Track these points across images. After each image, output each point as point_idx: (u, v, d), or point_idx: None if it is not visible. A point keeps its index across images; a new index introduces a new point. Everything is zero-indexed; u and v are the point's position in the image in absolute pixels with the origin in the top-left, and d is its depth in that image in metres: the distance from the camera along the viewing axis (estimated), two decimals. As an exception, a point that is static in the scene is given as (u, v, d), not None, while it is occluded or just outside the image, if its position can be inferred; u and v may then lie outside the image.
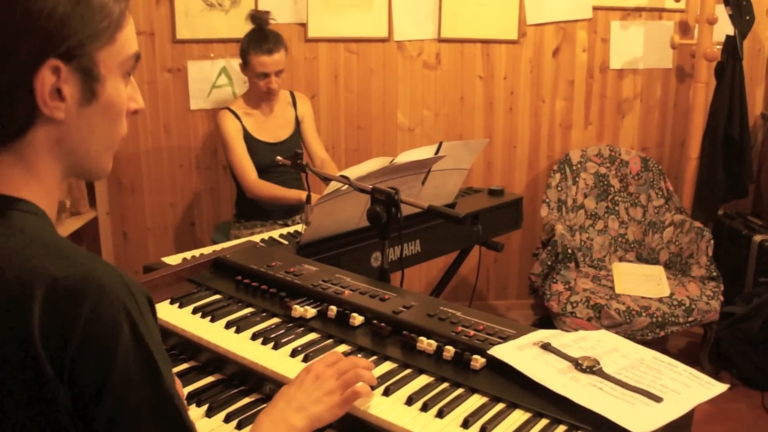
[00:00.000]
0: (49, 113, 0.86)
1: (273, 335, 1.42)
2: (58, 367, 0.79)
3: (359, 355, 1.36)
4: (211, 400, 1.31)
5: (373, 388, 1.22)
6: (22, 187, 0.88)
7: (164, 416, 0.85)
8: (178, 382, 1.33)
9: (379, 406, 1.19)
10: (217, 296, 1.61)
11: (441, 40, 3.55)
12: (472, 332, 1.36)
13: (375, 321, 1.44)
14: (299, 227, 2.32)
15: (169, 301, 1.58)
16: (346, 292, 1.54)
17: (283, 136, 3.13)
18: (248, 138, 3.05)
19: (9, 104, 0.85)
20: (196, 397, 1.32)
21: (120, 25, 0.91)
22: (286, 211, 3.12)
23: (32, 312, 0.78)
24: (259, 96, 3.06)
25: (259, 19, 3.01)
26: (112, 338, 0.81)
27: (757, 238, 3.42)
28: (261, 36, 2.96)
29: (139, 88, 0.98)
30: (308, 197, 2.11)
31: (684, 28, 3.69)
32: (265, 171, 3.06)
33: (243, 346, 1.39)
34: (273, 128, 3.12)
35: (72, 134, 0.89)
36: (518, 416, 1.17)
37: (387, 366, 1.33)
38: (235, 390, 1.35)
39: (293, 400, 1.13)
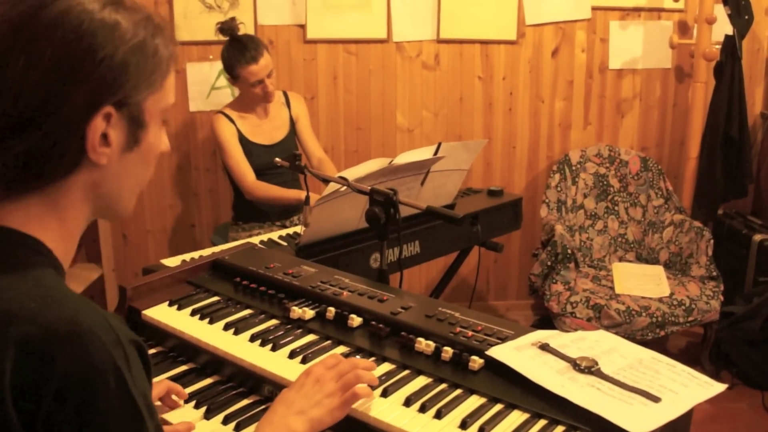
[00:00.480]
0: (96, 159, 0.85)
1: (271, 337, 1.42)
2: (28, 421, 0.75)
3: (358, 356, 1.36)
4: (210, 402, 1.31)
5: (373, 388, 1.22)
6: (41, 228, 0.86)
7: None
8: (177, 388, 1.34)
9: (377, 407, 1.19)
10: (216, 298, 1.61)
11: (440, 41, 3.55)
12: (470, 333, 1.36)
13: (373, 322, 1.44)
14: (298, 229, 2.32)
15: (167, 302, 1.58)
16: (345, 293, 1.54)
17: (279, 138, 3.12)
18: (243, 141, 3.03)
19: (61, 149, 0.83)
20: (194, 399, 1.32)
21: (168, 71, 0.91)
22: (284, 213, 3.12)
23: (4, 361, 0.74)
24: (254, 100, 3.04)
25: (230, 29, 2.94)
26: (94, 387, 0.76)
27: (757, 237, 3.41)
28: (239, 46, 2.91)
29: None
30: (307, 198, 2.11)
31: (683, 28, 3.69)
32: (262, 173, 3.05)
33: (241, 348, 1.39)
34: (268, 130, 3.11)
35: (109, 179, 0.89)
36: (516, 417, 1.17)
37: (385, 367, 1.33)
38: (234, 392, 1.36)
39: (293, 404, 1.13)
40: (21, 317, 0.77)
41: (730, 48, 3.40)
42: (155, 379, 1.32)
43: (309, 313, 1.49)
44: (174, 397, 1.32)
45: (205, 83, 3.45)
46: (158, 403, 1.30)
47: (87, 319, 0.79)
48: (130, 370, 0.80)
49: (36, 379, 0.75)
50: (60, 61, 0.80)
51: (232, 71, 2.95)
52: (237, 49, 2.91)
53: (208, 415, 1.28)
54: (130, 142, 0.89)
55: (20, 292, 0.79)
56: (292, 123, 3.18)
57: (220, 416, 1.27)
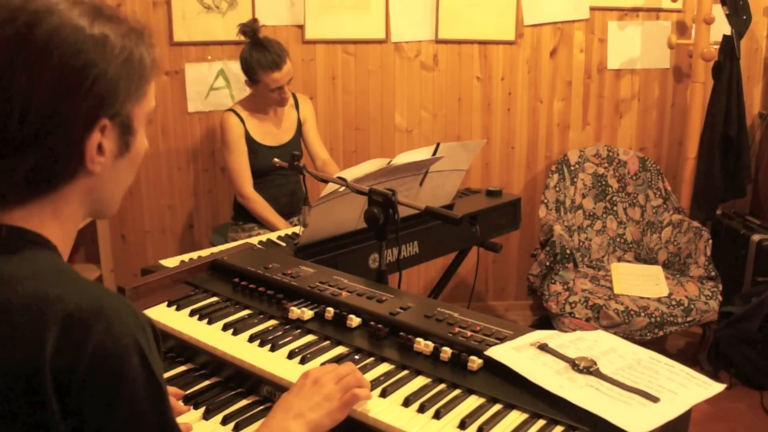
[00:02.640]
0: (92, 168, 0.89)
1: (270, 337, 1.42)
2: (62, 392, 0.79)
3: (356, 357, 1.36)
4: (209, 403, 1.31)
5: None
6: (43, 229, 0.89)
7: None
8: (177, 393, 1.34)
9: (376, 408, 1.19)
10: (215, 298, 1.62)
11: (438, 41, 3.56)
12: (469, 333, 1.36)
13: (372, 322, 1.44)
14: (297, 229, 2.32)
15: (166, 303, 1.58)
16: (344, 293, 1.54)
17: (286, 139, 3.12)
18: (250, 142, 3.03)
19: (63, 163, 0.87)
20: (193, 400, 1.32)
21: (151, 77, 0.95)
22: (283, 214, 3.12)
23: (45, 342, 0.79)
24: (268, 102, 3.03)
25: (251, 30, 2.92)
26: (120, 367, 0.81)
27: (756, 237, 3.42)
28: (262, 50, 2.87)
29: None
30: (306, 199, 2.11)
31: (681, 28, 3.69)
32: (266, 174, 3.05)
33: (240, 348, 1.39)
34: (276, 132, 3.11)
35: (103, 184, 0.93)
36: (515, 417, 1.17)
37: (384, 367, 1.33)
38: (233, 392, 1.36)
39: (292, 407, 1.13)
40: (51, 300, 0.81)
41: (729, 48, 3.41)
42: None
43: (308, 313, 1.49)
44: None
45: (204, 84, 3.45)
46: None
47: (111, 301, 0.84)
48: (150, 349, 0.85)
49: (71, 356, 0.79)
50: (60, 81, 0.84)
51: (253, 75, 2.92)
52: (259, 53, 2.87)
53: (207, 416, 1.28)
54: (122, 148, 0.93)
55: (44, 280, 0.83)
56: (299, 125, 3.18)
57: (219, 416, 1.27)
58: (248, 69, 2.92)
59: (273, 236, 2.30)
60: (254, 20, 2.98)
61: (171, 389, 1.34)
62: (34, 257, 0.86)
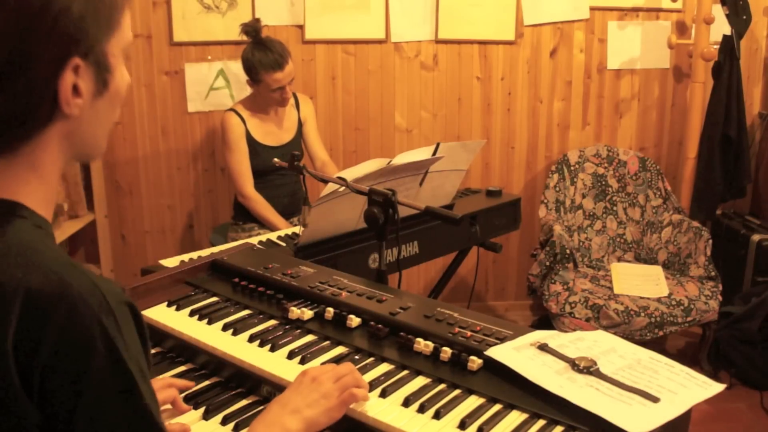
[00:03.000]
0: (69, 111, 0.85)
1: (270, 337, 1.42)
2: (27, 382, 0.75)
3: (356, 357, 1.36)
4: (209, 403, 1.31)
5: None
6: (21, 189, 0.85)
7: None
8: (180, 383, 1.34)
9: (376, 408, 1.19)
10: (215, 298, 1.62)
11: (438, 41, 3.56)
12: (469, 333, 1.36)
13: (372, 322, 1.44)
14: (297, 229, 2.32)
15: (166, 303, 1.58)
16: (344, 293, 1.54)
17: (287, 139, 3.12)
18: (251, 141, 3.03)
19: (33, 107, 0.82)
20: (193, 400, 1.32)
21: (123, 7, 0.89)
22: (283, 214, 3.12)
23: (8, 328, 0.75)
24: (268, 102, 3.03)
25: (254, 30, 2.92)
26: (83, 354, 0.76)
27: (756, 237, 3.42)
28: (264, 50, 2.88)
29: (136, 91, 0.98)
30: (305, 199, 2.11)
31: (681, 28, 3.69)
32: (267, 174, 3.05)
33: (240, 349, 1.39)
34: (277, 132, 3.11)
35: (82, 126, 0.88)
36: (515, 417, 1.17)
37: (384, 367, 1.33)
38: (233, 392, 1.36)
39: (288, 403, 1.13)
40: (15, 282, 0.76)
41: (729, 48, 3.41)
42: (160, 381, 1.32)
43: (308, 313, 1.49)
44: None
45: (204, 84, 3.45)
46: (169, 406, 1.29)
47: (74, 283, 0.78)
48: (121, 334, 0.79)
49: (32, 343, 0.75)
50: (17, 22, 0.79)
51: (255, 75, 2.92)
52: (261, 52, 2.88)
53: (206, 416, 1.28)
54: (100, 88, 0.88)
55: (9, 261, 0.78)
56: (300, 125, 3.18)
57: (219, 416, 1.27)
58: (250, 69, 2.92)
59: (273, 236, 2.30)
60: (256, 20, 2.98)
61: (181, 381, 1.33)
62: (3, 232, 0.81)
